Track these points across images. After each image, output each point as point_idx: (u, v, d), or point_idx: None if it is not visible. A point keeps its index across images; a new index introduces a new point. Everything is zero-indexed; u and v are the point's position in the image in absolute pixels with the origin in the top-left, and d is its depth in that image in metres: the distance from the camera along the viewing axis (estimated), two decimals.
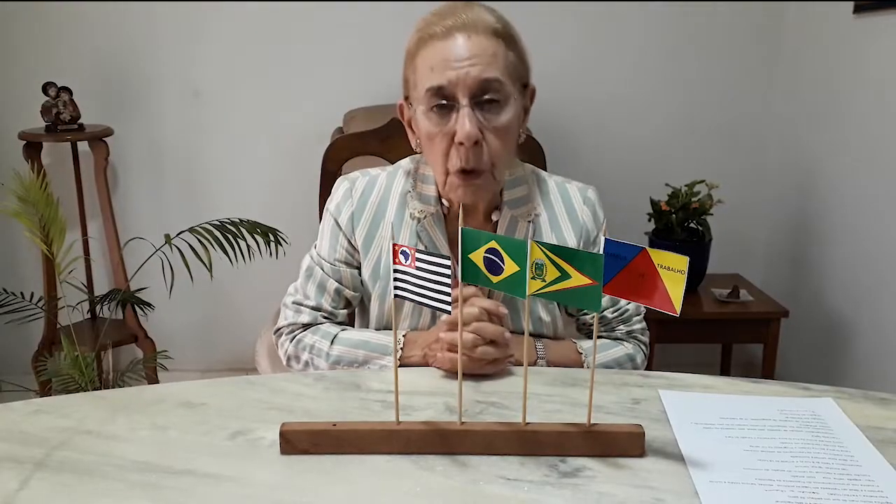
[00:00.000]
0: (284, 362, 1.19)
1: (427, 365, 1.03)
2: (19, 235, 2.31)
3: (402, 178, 1.16)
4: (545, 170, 1.23)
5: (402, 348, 1.07)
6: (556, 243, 1.10)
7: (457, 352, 0.86)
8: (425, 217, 1.12)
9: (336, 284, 1.15)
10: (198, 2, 2.35)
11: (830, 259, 2.17)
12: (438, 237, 1.12)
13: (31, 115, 2.27)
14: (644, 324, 1.22)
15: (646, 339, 1.21)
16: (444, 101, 1.00)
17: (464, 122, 0.98)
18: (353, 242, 1.14)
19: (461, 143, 0.99)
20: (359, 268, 1.16)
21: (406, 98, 1.08)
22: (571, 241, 1.13)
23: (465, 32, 0.99)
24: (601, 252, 0.70)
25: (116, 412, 0.88)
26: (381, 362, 1.07)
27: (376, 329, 1.16)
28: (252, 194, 2.49)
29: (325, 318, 1.16)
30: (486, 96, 0.99)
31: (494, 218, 1.12)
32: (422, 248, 1.10)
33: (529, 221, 1.13)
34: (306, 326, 1.16)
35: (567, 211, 1.15)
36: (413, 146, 1.11)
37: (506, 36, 1.02)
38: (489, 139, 1.01)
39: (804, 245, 2.32)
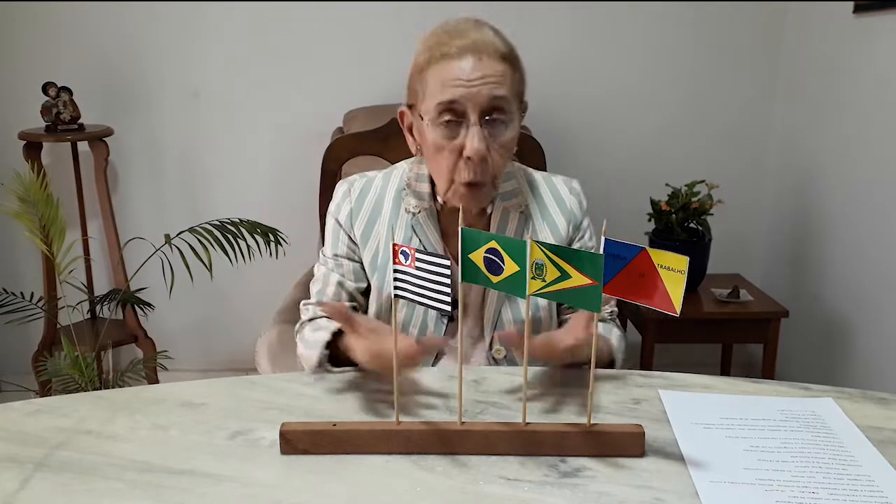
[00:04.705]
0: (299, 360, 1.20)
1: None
2: (19, 235, 2.31)
3: (397, 177, 1.21)
4: (545, 170, 1.26)
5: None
6: (547, 230, 1.17)
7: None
8: (419, 212, 1.17)
9: (338, 277, 1.19)
10: (198, 2, 2.35)
11: (830, 259, 2.17)
12: (432, 231, 1.17)
13: (31, 115, 2.26)
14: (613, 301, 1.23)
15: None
16: (453, 117, 1.04)
17: (473, 138, 1.03)
18: (352, 237, 1.19)
19: (469, 158, 1.04)
20: (360, 262, 1.20)
21: (410, 106, 1.12)
22: (562, 227, 1.19)
23: (476, 54, 1.03)
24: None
25: (116, 412, 0.88)
26: (330, 329, 1.05)
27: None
28: (252, 194, 2.48)
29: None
30: (494, 115, 1.04)
31: (488, 210, 1.17)
32: (416, 240, 1.16)
33: (521, 212, 1.18)
34: (310, 321, 1.18)
35: (556, 200, 1.21)
36: (412, 151, 1.16)
37: (512, 59, 1.07)
38: (493, 155, 1.06)
39: (804, 245, 2.32)
